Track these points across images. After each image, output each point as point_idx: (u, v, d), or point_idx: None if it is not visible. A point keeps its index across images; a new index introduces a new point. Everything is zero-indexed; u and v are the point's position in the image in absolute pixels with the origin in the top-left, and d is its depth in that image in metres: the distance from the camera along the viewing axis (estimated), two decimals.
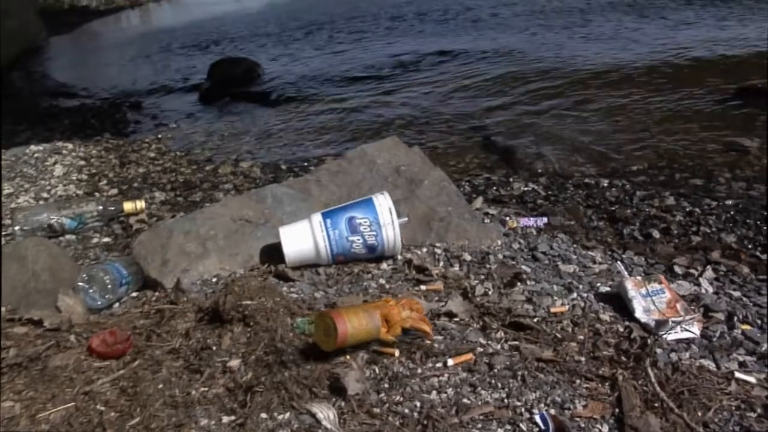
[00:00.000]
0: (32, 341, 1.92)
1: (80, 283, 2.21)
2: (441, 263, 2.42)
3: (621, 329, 1.96)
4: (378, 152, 2.92)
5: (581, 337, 1.91)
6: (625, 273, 2.23)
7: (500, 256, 2.49)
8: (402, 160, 2.89)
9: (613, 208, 3.16)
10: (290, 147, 4.88)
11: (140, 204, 3.24)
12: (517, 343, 1.87)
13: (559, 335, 1.91)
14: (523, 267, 2.40)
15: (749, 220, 2.94)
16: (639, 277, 2.18)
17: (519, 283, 2.25)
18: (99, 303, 2.20)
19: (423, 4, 11.54)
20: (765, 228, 2.85)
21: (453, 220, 2.63)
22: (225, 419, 1.55)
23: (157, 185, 3.93)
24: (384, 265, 2.39)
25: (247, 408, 1.56)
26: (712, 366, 1.78)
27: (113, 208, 3.16)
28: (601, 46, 6.92)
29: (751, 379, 1.70)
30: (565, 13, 9.16)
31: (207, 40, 11.00)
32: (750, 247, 2.70)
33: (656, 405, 1.58)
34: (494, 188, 3.56)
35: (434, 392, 1.64)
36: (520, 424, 1.53)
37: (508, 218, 2.93)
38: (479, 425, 1.52)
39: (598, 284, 2.27)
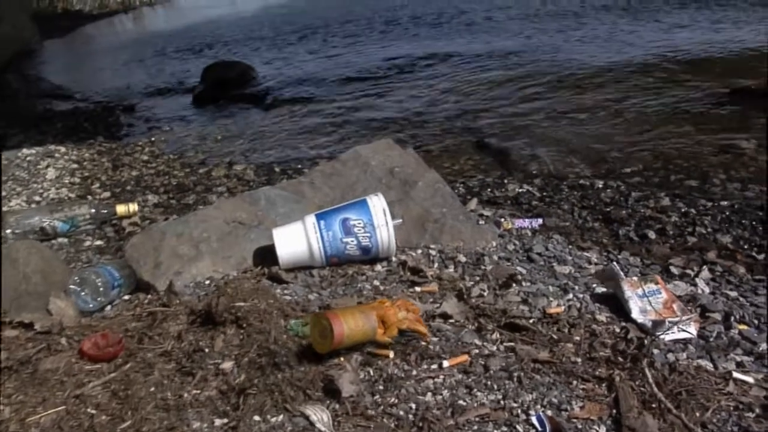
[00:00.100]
0: (23, 344, 1.90)
1: (72, 286, 2.19)
2: (436, 265, 2.41)
3: (617, 330, 1.94)
4: (372, 154, 2.90)
5: (577, 338, 1.90)
6: (621, 273, 2.21)
7: (495, 258, 2.47)
8: (396, 161, 2.87)
9: (608, 209, 3.15)
10: (284, 150, 4.86)
11: (133, 207, 3.21)
12: (512, 344, 1.86)
13: (555, 336, 1.90)
14: (519, 268, 2.39)
15: (745, 220, 2.93)
16: (635, 278, 2.17)
17: (514, 284, 2.23)
18: (91, 306, 2.18)
19: (417, 8, 11.55)
20: (761, 228, 2.84)
21: (447, 221, 2.61)
22: (217, 422, 1.53)
23: (150, 188, 3.91)
24: (378, 267, 2.37)
25: (240, 410, 1.54)
26: (709, 366, 1.77)
27: (106, 211, 3.14)
28: (596, 49, 6.94)
29: (749, 379, 1.69)
30: (560, 17, 9.17)
31: (201, 43, 11.00)
32: (746, 247, 2.69)
33: (654, 406, 1.57)
34: (489, 190, 3.55)
35: (429, 394, 1.62)
36: (517, 426, 1.51)
37: (503, 219, 2.92)
38: (475, 427, 1.51)
39: (594, 285, 2.26)
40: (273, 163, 4.49)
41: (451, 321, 1.98)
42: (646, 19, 8.19)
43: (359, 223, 2.30)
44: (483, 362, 1.75)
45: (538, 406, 1.58)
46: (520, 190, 3.50)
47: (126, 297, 2.30)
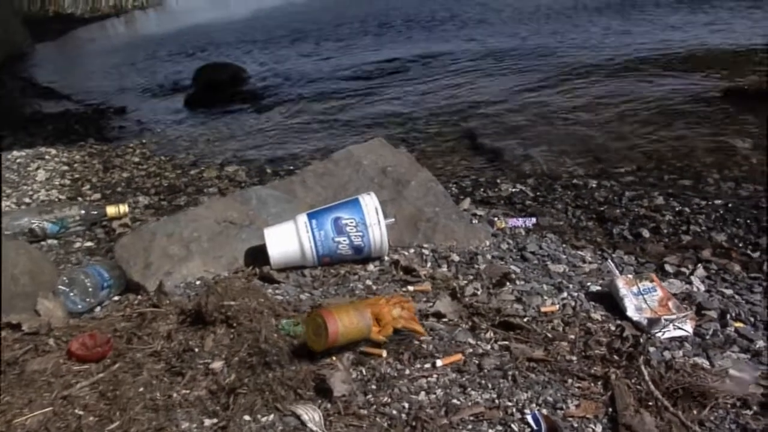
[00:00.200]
0: (10, 345, 1.87)
1: (60, 287, 2.16)
2: (429, 264, 2.39)
3: (613, 328, 1.92)
4: (364, 153, 2.88)
5: (572, 336, 1.88)
6: (616, 271, 2.19)
7: (489, 257, 2.45)
8: (389, 161, 2.85)
9: (602, 209, 3.14)
10: (276, 151, 4.84)
11: (123, 208, 3.18)
12: (507, 343, 1.84)
13: (549, 335, 1.88)
14: (512, 267, 2.37)
15: (739, 219, 2.92)
16: (630, 276, 2.15)
17: (508, 283, 2.21)
18: (80, 306, 2.15)
19: (410, 10, 11.55)
20: (755, 226, 2.83)
21: (440, 220, 2.59)
22: (207, 422, 1.50)
23: (141, 190, 3.88)
24: (371, 267, 2.35)
25: (230, 410, 1.51)
26: (706, 364, 1.75)
27: (96, 213, 3.11)
28: (589, 49, 6.93)
29: (746, 377, 1.67)
30: (553, 18, 9.17)
31: (193, 46, 10.97)
32: (741, 245, 2.68)
33: (650, 404, 1.55)
34: (482, 189, 3.53)
35: (423, 393, 1.60)
36: (512, 425, 1.49)
37: (496, 219, 2.90)
38: (469, 426, 1.48)
39: (589, 283, 2.24)
40: (265, 164, 4.47)
41: (444, 320, 1.96)
42: (638, 20, 8.19)
43: (351, 223, 2.28)
44: (477, 361, 1.73)
45: (533, 405, 1.56)
46: (514, 190, 3.49)
47: (116, 298, 2.27)
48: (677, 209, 3.07)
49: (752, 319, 2.00)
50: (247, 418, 1.49)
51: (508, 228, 2.83)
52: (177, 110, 6.65)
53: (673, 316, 1.91)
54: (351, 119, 5.54)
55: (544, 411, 1.53)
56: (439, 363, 1.71)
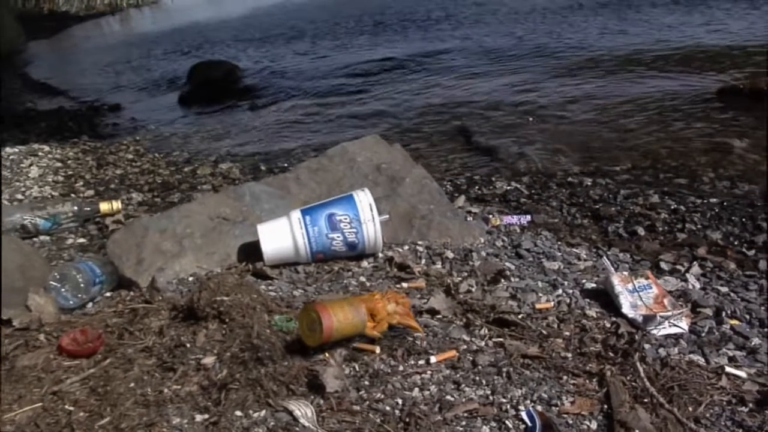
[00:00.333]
0: None
1: (52, 282, 2.14)
2: (423, 261, 2.38)
3: (608, 325, 1.91)
4: (359, 150, 2.87)
5: (567, 333, 1.87)
6: (611, 268, 2.18)
7: (483, 254, 2.44)
8: (383, 158, 2.84)
9: (597, 206, 3.12)
10: (270, 148, 4.83)
11: (116, 204, 3.16)
12: (501, 339, 1.83)
13: (544, 331, 1.87)
14: (507, 264, 2.36)
15: (734, 217, 2.91)
16: (626, 273, 2.14)
17: (503, 280, 2.20)
18: (71, 302, 2.13)
19: (406, 9, 11.54)
20: (751, 225, 2.82)
21: (435, 217, 2.58)
22: (198, 417, 1.48)
23: (134, 186, 3.86)
24: (365, 263, 2.34)
25: (221, 406, 1.50)
26: (701, 361, 1.74)
27: (89, 209, 3.08)
28: (585, 48, 6.94)
29: (742, 374, 1.66)
30: (549, 18, 9.17)
31: (188, 45, 10.95)
32: (736, 243, 2.67)
33: (646, 400, 1.54)
34: (476, 187, 3.52)
35: (416, 389, 1.59)
36: (506, 421, 1.48)
37: (491, 216, 2.89)
38: (463, 422, 1.47)
39: (584, 280, 2.23)
40: (259, 161, 4.45)
41: (438, 316, 1.95)
42: (635, 20, 8.19)
43: (345, 219, 2.27)
44: (471, 357, 1.72)
45: (528, 402, 1.55)
46: (508, 188, 3.47)
47: (108, 294, 2.25)
48: (672, 207, 3.05)
49: (748, 317, 2.00)
50: (238, 413, 1.48)
51: (503, 225, 2.81)
52: (171, 108, 6.64)
53: (669, 313, 1.90)
54: (346, 117, 5.53)
55: (539, 407, 1.52)
56: (433, 359, 1.70)
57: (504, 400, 1.55)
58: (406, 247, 2.46)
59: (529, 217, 2.90)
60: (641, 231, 2.81)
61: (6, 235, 2.80)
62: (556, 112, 4.88)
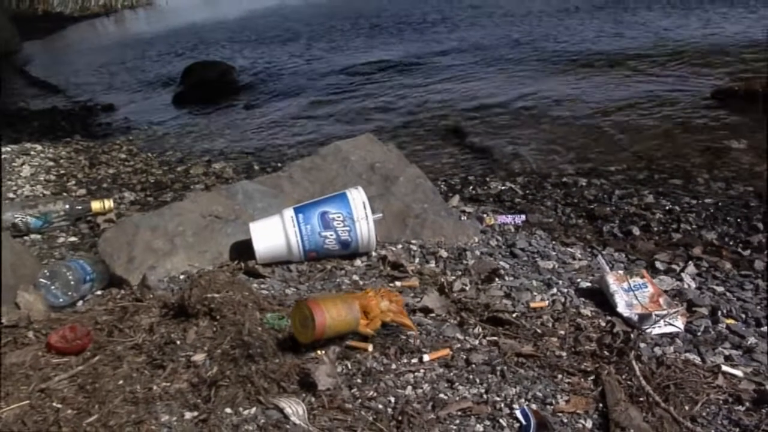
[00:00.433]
0: None
1: (42, 280, 2.12)
2: (417, 259, 2.36)
3: (603, 324, 1.90)
4: (352, 149, 2.85)
5: (562, 332, 1.85)
6: (606, 267, 2.17)
7: (477, 253, 2.43)
8: (377, 157, 2.82)
9: (592, 206, 3.11)
10: (264, 148, 4.81)
11: (108, 203, 3.13)
12: (495, 338, 1.81)
13: (539, 330, 1.86)
14: (502, 263, 2.34)
15: (730, 217, 2.90)
16: (621, 272, 2.12)
17: (497, 279, 2.19)
18: (61, 300, 2.10)
19: (402, 12, 11.54)
20: (746, 225, 2.82)
21: (429, 216, 2.56)
22: (188, 415, 1.46)
23: (127, 186, 3.83)
24: (358, 262, 2.32)
25: (211, 403, 1.48)
26: (697, 360, 1.73)
27: (80, 208, 3.06)
28: (580, 49, 6.94)
29: (738, 373, 1.65)
30: (545, 20, 9.18)
31: (182, 46, 10.90)
32: (731, 243, 2.66)
33: (641, 399, 1.52)
34: (471, 187, 3.51)
35: (409, 388, 1.57)
36: (500, 420, 1.46)
37: (485, 215, 2.87)
38: (457, 421, 1.46)
39: (579, 280, 2.22)
40: (252, 161, 4.43)
41: (432, 315, 1.93)
42: (631, 23, 8.20)
43: (338, 217, 2.25)
44: (465, 356, 1.71)
45: (522, 400, 1.54)
46: (503, 188, 3.46)
47: (99, 292, 2.23)
48: (667, 208, 3.05)
49: (743, 316, 1.99)
50: (228, 410, 1.46)
51: (498, 225, 2.80)
52: (165, 107, 6.62)
53: (664, 312, 1.89)
54: (340, 116, 5.51)
55: (534, 406, 1.51)
56: (426, 358, 1.69)
57: (498, 399, 1.53)
58: (400, 246, 2.44)
59: (523, 217, 2.89)
60: (636, 231, 2.80)
61: None
62: (551, 113, 4.86)
